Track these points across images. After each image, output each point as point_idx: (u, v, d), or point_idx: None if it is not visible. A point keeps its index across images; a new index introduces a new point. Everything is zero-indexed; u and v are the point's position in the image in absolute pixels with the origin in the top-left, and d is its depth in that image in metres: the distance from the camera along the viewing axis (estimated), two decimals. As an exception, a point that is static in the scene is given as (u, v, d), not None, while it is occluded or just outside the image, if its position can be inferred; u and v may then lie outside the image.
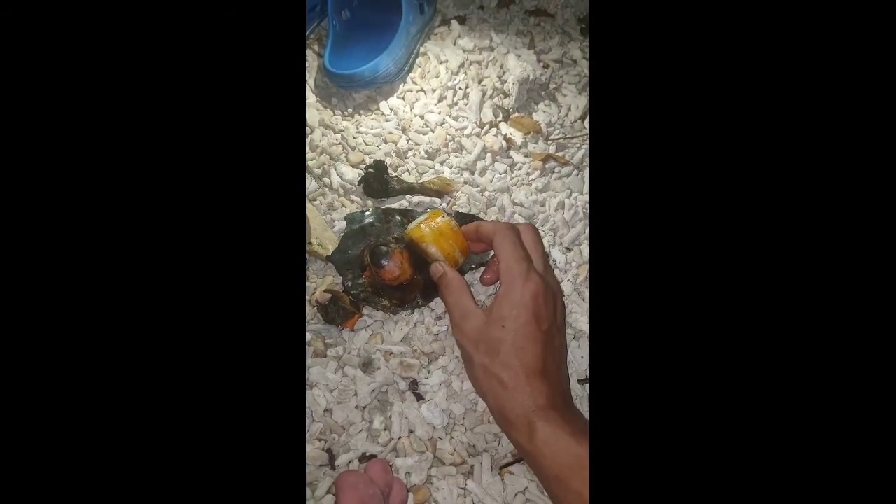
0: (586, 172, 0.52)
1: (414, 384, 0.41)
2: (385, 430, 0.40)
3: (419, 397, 0.41)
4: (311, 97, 0.55)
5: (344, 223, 0.47)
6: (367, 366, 0.41)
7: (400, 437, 0.40)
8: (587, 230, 0.48)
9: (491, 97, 0.56)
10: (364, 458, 0.39)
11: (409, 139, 0.53)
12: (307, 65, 0.57)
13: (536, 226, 0.47)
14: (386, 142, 0.53)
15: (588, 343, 0.43)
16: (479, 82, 0.58)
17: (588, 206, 0.50)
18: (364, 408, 0.40)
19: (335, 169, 0.51)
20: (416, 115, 0.54)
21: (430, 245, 0.42)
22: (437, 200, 0.50)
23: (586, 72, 0.60)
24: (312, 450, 0.39)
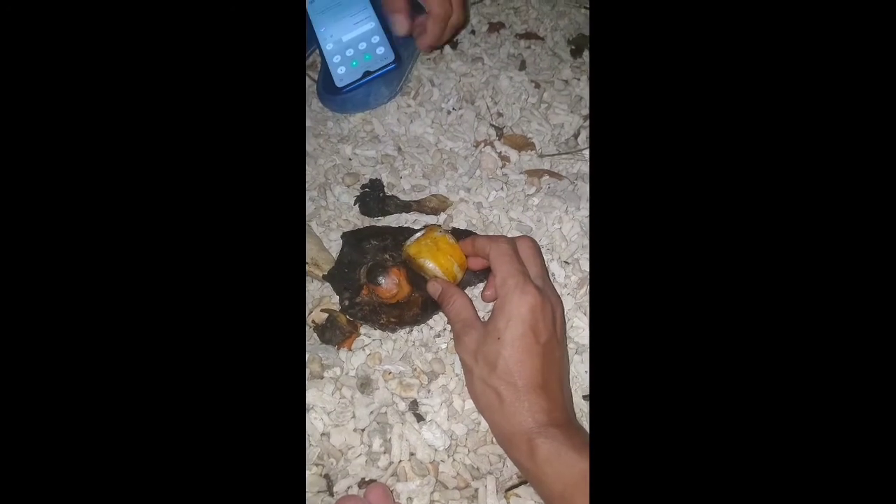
0: (582, 187, 0.52)
1: (414, 404, 0.40)
2: (384, 453, 0.38)
3: (419, 418, 0.40)
4: (307, 121, 0.56)
5: (340, 243, 0.46)
6: (365, 386, 0.40)
7: (400, 461, 0.38)
8: (585, 242, 0.48)
9: (484, 117, 0.57)
10: (363, 483, 0.37)
11: (405, 160, 0.53)
12: (302, 90, 0.58)
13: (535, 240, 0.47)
14: (381, 162, 0.53)
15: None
16: (473, 103, 0.58)
17: (587, 219, 0.49)
18: (363, 430, 0.39)
19: (331, 190, 0.50)
20: (411, 136, 0.55)
21: (428, 260, 0.41)
22: (435, 218, 0.49)
23: (577, 91, 0.61)
24: (310, 476, 0.37)
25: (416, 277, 0.43)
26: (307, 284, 0.45)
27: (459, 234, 0.45)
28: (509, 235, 0.49)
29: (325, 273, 0.44)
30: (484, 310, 0.44)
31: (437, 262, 0.41)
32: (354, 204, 0.49)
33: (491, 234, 0.48)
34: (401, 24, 0.52)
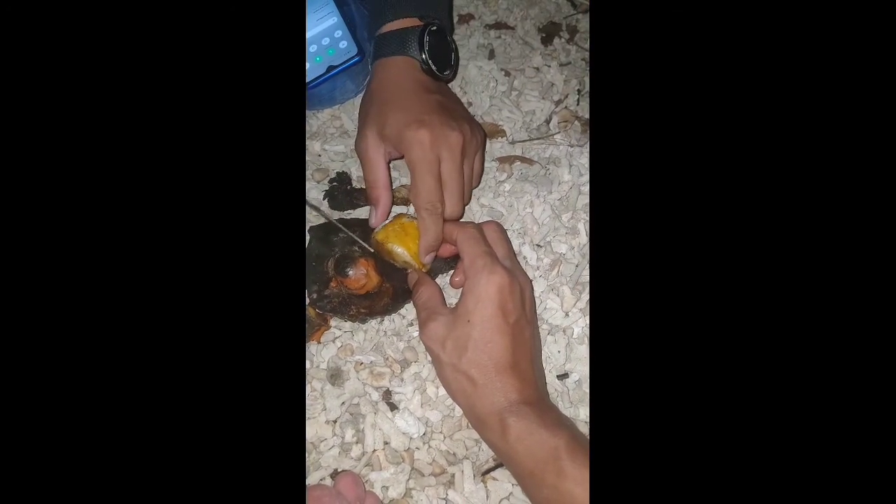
0: (554, 171, 0.52)
1: (387, 394, 0.40)
2: (357, 443, 0.38)
3: (392, 407, 0.39)
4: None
5: (308, 236, 0.46)
6: (335, 378, 0.40)
7: (374, 451, 0.38)
8: (556, 225, 0.47)
9: (454, 107, 0.57)
10: (336, 474, 0.37)
11: (375, 153, 0.53)
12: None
13: (505, 225, 0.47)
14: (351, 156, 0.52)
15: (564, 338, 0.42)
16: (442, 94, 0.58)
17: (559, 202, 0.49)
18: (335, 422, 0.38)
19: (300, 186, 0.50)
20: (380, 130, 0.55)
21: (396, 245, 0.41)
22: (405, 208, 0.49)
23: (548, 78, 0.60)
24: (282, 470, 0.37)
25: (386, 267, 0.42)
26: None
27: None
28: (480, 222, 0.48)
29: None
30: (455, 296, 0.44)
31: (405, 246, 0.41)
32: (324, 199, 0.49)
33: (462, 220, 0.48)
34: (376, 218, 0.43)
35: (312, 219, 0.49)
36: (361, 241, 0.42)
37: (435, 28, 0.46)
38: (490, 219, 0.49)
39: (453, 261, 0.44)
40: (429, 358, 0.41)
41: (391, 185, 0.44)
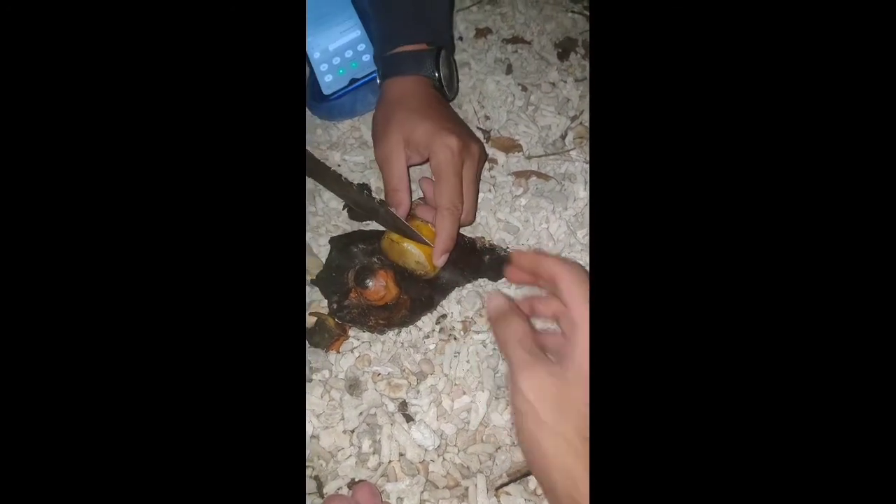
0: (570, 187, 0.52)
1: (403, 405, 0.40)
2: (374, 453, 0.38)
3: (409, 418, 0.40)
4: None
5: (328, 247, 0.47)
6: (353, 388, 0.40)
7: (390, 462, 0.38)
8: (571, 241, 0.48)
9: (471, 121, 0.57)
10: (353, 484, 0.37)
11: (393, 164, 0.53)
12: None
13: (520, 241, 0.47)
14: (370, 167, 0.53)
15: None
16: (460, 107, 0.59)
17: (574, 218, 0.50)
18: (352, 432, 0.39)
19: (320, 196, 0.51)
20: (398, 141, 0.55)
21: (410, 245, 0.42)
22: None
23: (564, 93, 0.61)
24: (299, 478, 0.37)
25: (404, 279, 0.43)
26: (297, 289, 0.46)
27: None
28: (496, 236, 0.49)
29: (314, 277, 0.44)
30: (466, 302, 0.44)
31: (418, 246, 0.42)
32: (343, 209, 0.49)
33: (478, 234, 0.49)
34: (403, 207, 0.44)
35: (333, 229, 0.49)
36: (399, 218, 0.43)
37: (444, 53, 0.50)
38: (506, 232, 0.49)
39: (469, 273, 0.45)
40: (444, 371, 0.42)
41: (410, 190, 0.46)
